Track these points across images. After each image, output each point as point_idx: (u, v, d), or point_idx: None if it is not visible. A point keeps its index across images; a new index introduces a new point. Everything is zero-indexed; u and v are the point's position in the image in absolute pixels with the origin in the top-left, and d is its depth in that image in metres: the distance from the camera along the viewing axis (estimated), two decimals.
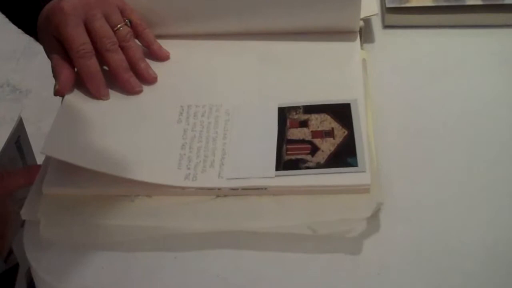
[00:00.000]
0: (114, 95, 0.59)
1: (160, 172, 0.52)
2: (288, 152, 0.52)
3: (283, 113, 0.55)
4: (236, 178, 0.51)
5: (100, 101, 0.59)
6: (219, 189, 0.51)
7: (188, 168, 0.52)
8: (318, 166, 0.51)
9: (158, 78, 0.60)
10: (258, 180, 0.51)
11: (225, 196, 0.52)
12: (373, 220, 0.49)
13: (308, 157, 0.52)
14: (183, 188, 0.52)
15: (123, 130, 0.56)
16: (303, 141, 0.53)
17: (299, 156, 0.52)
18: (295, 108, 0.56)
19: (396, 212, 0.50)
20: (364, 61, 0.61)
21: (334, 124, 0.54)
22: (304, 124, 0.54)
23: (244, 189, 0.51)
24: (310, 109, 0.55)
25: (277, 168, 0.51)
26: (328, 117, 0.54)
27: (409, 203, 0.51)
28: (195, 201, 0.51)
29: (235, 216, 0.50)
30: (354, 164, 0.51)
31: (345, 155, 0.51)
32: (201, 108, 0.57)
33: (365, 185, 0.50)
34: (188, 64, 0.62)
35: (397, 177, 0.52)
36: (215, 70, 0.61)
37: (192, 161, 0.53)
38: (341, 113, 0.54)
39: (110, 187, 0.52)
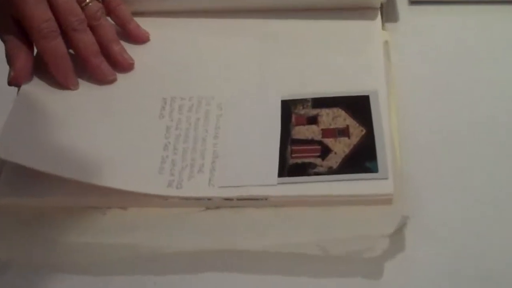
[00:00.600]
0: (82, 85, 0.59)
1: (138, 178, 0.51)
2: (293, 155, 0.52)
3: (288, 107, 0.55)
4: (230, 186, 0.51)
5: (65, 92, 0.58)
6: (209, 199, 0.51)
7: (172, 174, 0.52)
8: (330, 171, 0.51)
9: (136, 64, 0.60)
10: (257, 189, 0.50)
11: (216, 208, 0.51)
12: (397, 237, 0.49)
13: (318, 161, 0.51)
14: (165, 198, 0.51)
15: (92, 128, 0.55)
16: (311, 141, 0.53)
17: (306, 160, 0.51)
18: (302, 101, 0.55)
19: (425, 228, 0.50)
20: (386, 44, 0.60)
21: (350, 121, 0.53)
22: (313, 120, 0.54)
23: (239, 199, 0.51)
24: (320, 102, 0.55)
25: (280, 174, 0.51)
26: (342, 112, 0.54)
27: (440, 218, 0.51)
28: (180, 214, 0.51)
29: (229, 232, 0.50)
30: (373, 169, 0.50)
31: (362, 159, 0.51)
32: (188, 101, 0.56)
33: (387, 195, 0.50)
34: (172, 47, 0.62)
35: (425, 186, 0.52)
36: (205, 55, 0.61)
37: (177, 165, 0.52)
38: (358, 107, 0.54)
39: (77, 196, 0.52)
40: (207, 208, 0.51)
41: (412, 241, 0.49)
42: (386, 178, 0.50)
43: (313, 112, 0.54)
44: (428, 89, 0.59)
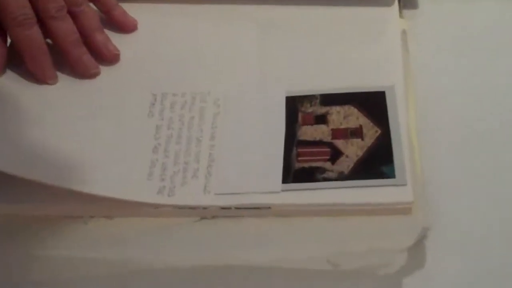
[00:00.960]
0: (62, 79, 0.58)
1: (124, 184, 0.51)
2: (299, 158, 0.52)
3: (293, 104, 0.55)
4: (228, 194, 0.50)
5: (42, 87, 0.58)
6: (204, 208, 0.51)
7: (163, 179, 0.51)
8: (341, 177, 0.50)
9: (122, 56, 0.60)
10: (259, 197, 0.50)
11: (213, 217, 0.51)
12: (416, 251, 0.48)
13: (327, 165, 0.51)
14: (155, 206, 0.51)
15: (73, 127, 0.55)
16: (320, 143, 0.52)
17: (314, 164, 0.51)
18: (309, 98, 0.55)
19: (447, 241, 0.50)
20: (404, 34, 0.60)
21: (363, 120, 0.53)
22: (321, 119, 0.54)
23: (238, 208, 0.50)
24: (330, 99, 0.55)
25: (285, 180, 0.51)
26: (355, 110, 0.54)
27: (464, 229, 0.51)
28: (172, 224, 0.51)
29: (226, 245, 0.50)
30: (390, 174, 0.50)
31: (378, 163, 0.51)
32: (181, 97, 0.56)
33: (406, 203, 0.49)
34: (162, 37, 0.61)
35: (448, 193, 0.52)
36: (199, 45, 0.60)
37: (168, 170, 0.52)
38: (373, 104, 0.54)
39: (56, 204, 0.51)
40: (202, 218, 0.51)
41: (433, 256, 0.49)
42: (405, 185, 0.50)
43: (322, 110, 0.54)
44: (450, 84, 0.59)
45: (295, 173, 0.51)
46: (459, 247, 0.50)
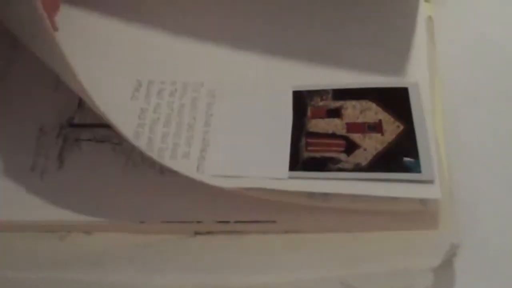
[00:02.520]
0: None
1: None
2: (309, 148, 0.49)
3: (302, 99, 0.52)
4: (226, 176, 0.47)
5: None
6: (198, 222, 0.48)
7: (150, 150, 0.49)
8: (358, 169, 0.47)
9: (106, 41, 0.56)
10: (263, 182, 0.47)
11: (208, 233, 0.48)
12: (444, 271, 0.46)
13: (342, 156, 0.48)
14: (141, 222, 0.48)
15: None
16: (333, 136, 0.49)
17: (327, 154, 0.48)
18: (319, 93, 0.52)
19: (480, 259, 0.48)
20: (430, 21, 0.57)
21: (383, 115, 0.50)
22: (334, 113, 0.50)
23: (238, 222, 0.48)
24: (344, 93, 0.52)
25: (293, 168, 0.48)
26: (373, 104, 0.51)
27: (500, 246, 0.49)
28: (161, 240, 0.48)
29: (224, 263, 0.48)
30: (415, 169, 0.47)
31: (401, 156, 0.48)
32: (169, 86, 0.53)
33: (433, 201, 0.46)
34: (150, 18, 0.58)
35: (479, 204, 0.50)
36: (190, 27, 0.57)
37: (155, 143, 0.49)
38: (394, 101, 0.51)
39: (24, 213, 0.49)
40: (196, 233, 0.48)
41: (465, 277, 0.47)
42: (432, 181, 0.47)
43: (335, 104, 0.51)
44: (484, 80, 0.57)
45: (304, 162, 0.48)
46: (492, 266, 0.48)
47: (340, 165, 0.48)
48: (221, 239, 0.48)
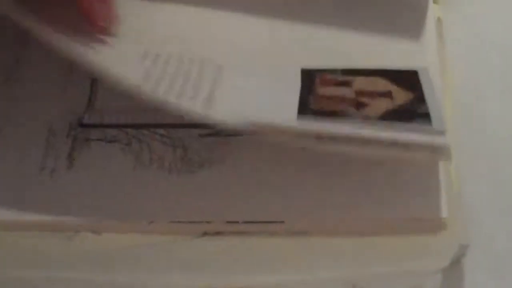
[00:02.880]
0: None
1: None
2: (318, 102, 0.48)
3: (310, 75, 0.51)
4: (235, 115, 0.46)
5: None
6: (208, 222, 0.48)
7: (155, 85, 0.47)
8: (368, 120, 0.47)
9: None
10: (273, 120, 0.46)
11: (216, 233, 0.48)
12: (453, 273, 0.47)
13: (351, 110, 0.47)
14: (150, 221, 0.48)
15: None
16: (342, 98, 0.48)
17: (336, 108, 0.47)
18: (328, 71, 0.51)
19: (491, 261, 0.48)
20: (440, 23, 0.57)
21: (392, 88, 0.49)
22: (343, 83, 0.49)
23: (246, 222, 0.47)
24: (353, 72, 0.51)
25: (302, 113, 0.47)
26: (383, 80, 0.50)
27: (511, 245, 0.49)
28: (170, 241, 0.48)
29: (233, 264, 0.48)
30: (425, 121, 0.46)
31: (410, 112, 0.47)
32: (176, 59, 0.51)
33: (443, 149, 0.45)
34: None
35: (488, 206, 0.50)
36: (197, 12, 0.56)
37: (164, 80, 0.48)
38: (404, 79, 0.50)
39: (34, 212, 0.48)
40: (205, 234, 0.48)
41: (473, 279, 0.48)
42: (442, 131, 0.46)
43: (345, 78, 0.50)
44: (492, 81, 0.57)
45: (312, 111, 0.47)
46: (502, 268, 0.49)
47: (349, 118, 0.47)
48: (229, 240, 0.48)
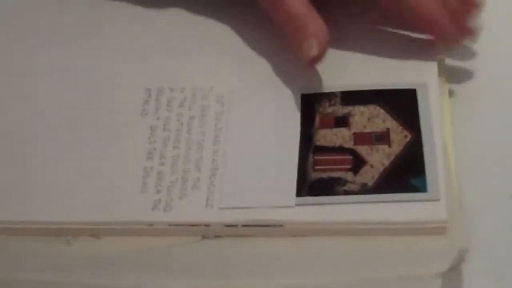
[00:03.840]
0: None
1: (113, 199, 0.48)
2: (316, 167, 0.49)
3: (310, 104, 0.52)
4: (234, 208, 0.48)
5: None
6: (206, 225, 0.48)
7: (158, 191, 0.48)
8: (365, 190, 0.47)
9: (111, 44, 0.57)
10: (270, 212, 0.47)
11: (216, 237, 0.48)
12: (452, 277, 0.46)
13: (349, 176, 0.48)
14: (149, 224, 0.48)
15: (48, 129, 0.52)
16: (340, 150, 0.49)
17: (334, 174, 0.48)
18: (328, 96, 0.52)
19: (490, 266, 0.47)
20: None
21: (391, 123, 0.50)
22: (342, 122, 0.51)
23: (246, 226, 0.48)
24: (353, 97, 0.52)
25: (300, 193, 0.48)
26: (381, 111, 0.51)
27: (511, 250, 0.48)
28: (169, 245, 0.48)
29: (231, 268, 0.47)
30: (421, 188, 0.47)
31: (407, 174, 0.48)
32: (179, 93, 0.53)
33: (438, 222, 0.46)
34: (159, 22, 0.58)
35: (488, 211, 0.49)
36: (200, 34, 0.57)
37: (165, 180, 0.49)
38: (402, 105, 0.51)
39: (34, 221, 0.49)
40: (204, 238, 0.48)
41: (473, 283, 0.46)
42: (438, 200, 0.47)
43: (343, 110, 0.51)
44: (491, 86, 0.56)
45: (311, 184, 0.48)
46: (501, 272, 0.48)
47: (346, 187, 0.48)
48: (228, 243, 0.48)
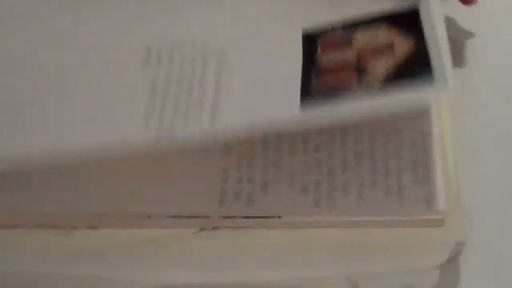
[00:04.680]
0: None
1: (114, 128, 0.47)
2: (319, 81, 0.47)
3: (311, 40, 0.50)
4: (239, 120, 0.46)
5: None
6: (205, 217, 0.48)
7: (161, 119, 0.47)
8: (369, 92, 0.46)
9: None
10: (274, 124, 0.46)
11: (214, 229, 0.48)
12: (450, 270, 0.46)
13: (353, 86, 0.47)
14: (148, 216, 0.48)
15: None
16: (343, 67, 0.48)
17: (337, 85, 0.47)
18: (329, 27, 0.50)
19: (487, 259, 0.48)
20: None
21: (394, 36, 0.49)
22: (345, 42, 0.49)
23: (244, 217, 0.48)
24: (355, 22, 0.50)
25: (304, 100, 0.46)
26: (384, 26, 0.49)
27: (508, 243, 0.48)
28: (167, 236, 0.48)
29: (229, 260, 0.48)
30: (427, 77, 0.45)
31: (412, 70, 0.46)
32: (179, 51, 0.51)
33: (436, 214, 0.47)
34: None
35: (486, 201, 0.50)
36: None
37: (168, 108, 0.47)
38: (405, 21, 0.49)
39: (29, 207, 0.48)
40: (202, 229, 0.48)
41: (470, 276, 0.47)
42: (446, 86, 0.45)
43: (346, 35, 0.50)
44: (486, 82, 0.57)
45: (314, 94, 0.47)
46: (498, 265, 0.49)
47: (351, 94, 0.46)
48: (227, 235, 0.48)
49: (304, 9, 0.53)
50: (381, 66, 0.48)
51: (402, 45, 0.48)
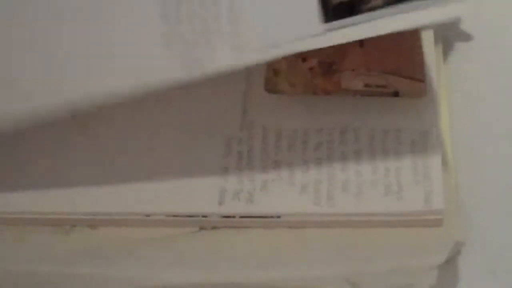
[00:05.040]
0: None
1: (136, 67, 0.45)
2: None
3: None
4: (261, 47, 0.44)
5: None
6: (204, 216, 0.48)
7: (178, 48, 0.45)
8: (389, 2, 0.44)
9: None
10: (297, 44, 0.44)
11: (213, 228, 0.48)
12: (448, 270, 0.46)
13: None
14: (147, 215, 0.48)
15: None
16: None
17: None
18: None
19: (486, 259, 0.47)
20: None
21: None
22: None
23: (243, 217, 0.48)
24: None
25: (325, 19, 0.44)
26: None
27: (507, 243, 0.48)
28: (166, 236, 0.49)
29: (228, 259, 0.47)
30: None
31: None
32: None
33: (434, 213, 0.47)
34: None
35: (487, 204, 0.50)
36: None
37: (187, 35, 0.45)
38: None
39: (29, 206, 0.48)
40: (201, 229, 0.48)
41: (469, 276, 0.47)
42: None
43: None
44: (488, 79, 0.57)
45: (334, 9, 0.45)
46: (497, 265, 0.48)
47: (370, 5, 0.44)
48: (226, 234, 0.48)
49: None
50: None
51: None
